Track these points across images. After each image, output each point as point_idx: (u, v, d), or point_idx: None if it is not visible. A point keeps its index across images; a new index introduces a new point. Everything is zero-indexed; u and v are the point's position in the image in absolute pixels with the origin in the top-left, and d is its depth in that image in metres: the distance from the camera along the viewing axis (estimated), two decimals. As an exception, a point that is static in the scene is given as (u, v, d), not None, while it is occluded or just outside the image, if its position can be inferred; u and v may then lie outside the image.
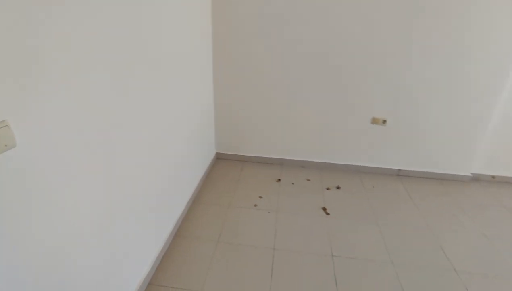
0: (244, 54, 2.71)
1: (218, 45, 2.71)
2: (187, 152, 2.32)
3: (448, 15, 2.37)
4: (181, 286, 1.75)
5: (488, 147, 2.84)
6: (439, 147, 2.87)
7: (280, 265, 1.92)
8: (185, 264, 1.90)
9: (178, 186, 2.17)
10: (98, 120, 1.18)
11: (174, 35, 1.86)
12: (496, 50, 2.44)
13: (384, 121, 2.80)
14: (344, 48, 2.58)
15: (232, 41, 2.68)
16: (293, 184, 2.81)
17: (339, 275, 1.87)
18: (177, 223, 2.17)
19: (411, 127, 2.81)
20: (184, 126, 2.19)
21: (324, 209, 2.46)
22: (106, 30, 1.18)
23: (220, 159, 3.20)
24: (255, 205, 2.48)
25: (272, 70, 2.74)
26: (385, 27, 2.47)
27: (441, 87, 2.61)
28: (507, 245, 2.16)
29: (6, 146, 0.79)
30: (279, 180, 2.87)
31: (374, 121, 2.82)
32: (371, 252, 2.05)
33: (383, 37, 2.50)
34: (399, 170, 3.02)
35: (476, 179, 3.00)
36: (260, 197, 2.58)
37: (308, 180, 2.88)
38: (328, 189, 2.75)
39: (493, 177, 2.99)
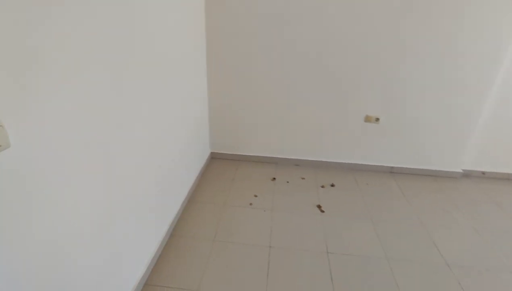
0: (238, 54, 2.72)
1: (212, 45, 2.71)
2: (182, 151, 2.32)
3: (439, 14, 2.41)
4: (178, 286, 1.75)
5: (478, 144, 2.91)
6: (431, 144, 2.92)
7: (276, 263, 1.93)
8: (181, 264, 1.90)
9: (174, 186, 2.17)
10: (98, 120, 1.19)
11: (168, 34, 1.87)
12: (485, 48, 2.49)
13: (377, 119, 2.84)
14: (338, 48, 2.60)
15: (226, 41, 2.68)
16: (288, 182, 2.83)
17: (334, 271, 1.89)
18: (173, 222, 2.17)
19: (404, 125, 2.85)
20: (179, 126, 2.19)
21: (319, 206, 2.49)
22: (106, 30, 1.18)
23: (215, 158, 3.21)
24: (251, 204, 2.49)
25: (266, 69, 2.75)
26: (377, 26, 2.50)
27: (432, 85, 2.66)
28: (497, 239, 2.21)
29: (0, 146, 0.78)
30: (274, 178, 2.88)
31: (367, 119, 2.85)
32: (366, 249, 2.08)
33: (375, 36, 2.53)
34: (392, 167, 3.06)
35: (467, 175, 3.06)
36: (255, 196, 2.60)
37: (303, 178, 2.90)
38: (322, 187, 2.78)
39: (483, 173, 3.06)
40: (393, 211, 2.48)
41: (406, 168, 3.05)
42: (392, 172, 3.07)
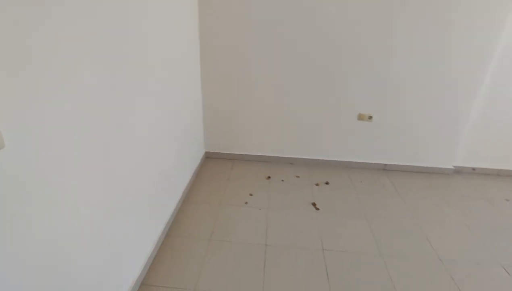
0: (231, 54, 2.73)
1: (205, 45, 2.71)
2: (177, 151, 2.32)
3: (431, 15, 2.46)
4: (174, 285, 1.75)
5: (468, 141, 2.97)
6: (423, 141, 2.97)
7: (273, 261, 1.95)
8: (177, 263, 1.90)
9: (169, 185, 2.17)
10: (98, 120, 1.19)
11: (164, 35, 1.87)
12: (475, 49, 2.55)
13: (370, 117, 2.88)
14: (331, 47, 2.63)
15: (219, 41, 2.69)
16: (282, 181, 2.85)
17: (330, 268, 1.91)
18: (169, 222, 2.17)
19: (396, 123, 2.90)
20: (173, 126, 2.19)
21: (313, 204, 2.51)
22: (105, 30, 1.19)
23: (209, 157, 3.21)
24: (246, 203, 2.51)
25: (260, 69, 2.77)
26: (370, 26, 2.53)
27: (424, 84, 2.71)
28: (487, 233, 2.27)
29: None
30: (269, 177, 2.90)
31: (360, 117, 2.89)
32: (361, 245, 2.10)
33: (368, 36, 2.57)
34: (385, 164, 3.11)
35: (458, 171, 3.12)
36: (251, 195, 2.61)
37: (298, 177, 2.92)
38: (317, 185, 2.80)
39: (474, 169, 3.12)
40: (387, 208, 2.51)
41: (399, 165, 3.10)
42: (385, 169, 3.12)
